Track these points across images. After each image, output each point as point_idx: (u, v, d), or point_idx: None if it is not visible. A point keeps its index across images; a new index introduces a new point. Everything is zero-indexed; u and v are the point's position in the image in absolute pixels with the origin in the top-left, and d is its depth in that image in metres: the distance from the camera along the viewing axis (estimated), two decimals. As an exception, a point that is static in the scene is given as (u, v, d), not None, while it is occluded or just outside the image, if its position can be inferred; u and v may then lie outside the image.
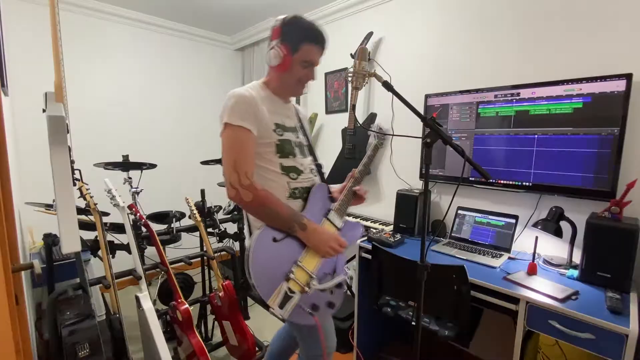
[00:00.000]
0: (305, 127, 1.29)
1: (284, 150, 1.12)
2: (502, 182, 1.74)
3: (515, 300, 1.26)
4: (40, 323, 1.72)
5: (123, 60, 2.85)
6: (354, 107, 2.32)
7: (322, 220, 1.18)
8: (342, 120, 2.68)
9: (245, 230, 1.18)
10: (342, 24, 2.66)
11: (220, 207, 2.46)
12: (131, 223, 1.75)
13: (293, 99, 1.28)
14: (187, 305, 1.70)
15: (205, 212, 2.26)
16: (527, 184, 1.66)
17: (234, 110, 1.03)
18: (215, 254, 1.97)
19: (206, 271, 2.28)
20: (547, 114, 1.58)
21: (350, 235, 1.23)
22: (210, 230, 2.29)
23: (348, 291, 2.54)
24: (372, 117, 2.33)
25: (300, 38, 1.08)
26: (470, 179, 1.87)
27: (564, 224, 1.49)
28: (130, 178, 2.21)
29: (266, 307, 1.03)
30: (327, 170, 2.64)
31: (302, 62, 1.10)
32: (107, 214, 2.08)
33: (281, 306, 1.00)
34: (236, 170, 1.01)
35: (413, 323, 1.54)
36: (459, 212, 1.88)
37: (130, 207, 1.83)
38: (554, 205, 1.54)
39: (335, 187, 1.32)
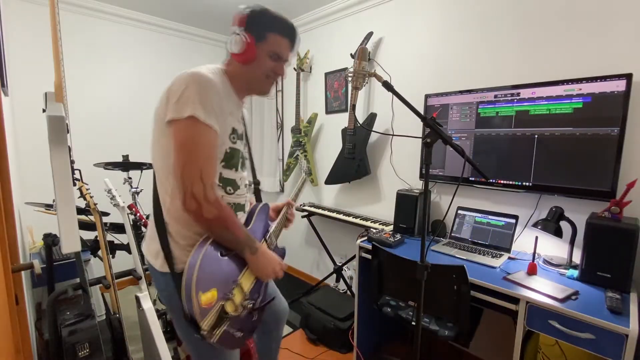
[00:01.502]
0: (248, 134, 1.16)
1: (230, 161, 0.98)
2: (502, 182, 1.75)
3: (515, 300, 1.26)
4: (40, 323, 1.72)
5: (123, 60, 2.85)
6: (354, 107, 2.33)
7: (261, 241, 1.11)
8: (342, 120, 2.68)
9: (155, 249, 0.96)
10: (342, 24, 2.66)
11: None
12: (131, 223, 1.76)
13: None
14: (187, 305, 1.69)
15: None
16: (527, 184, 1.66)
17: (203, 102, 0.85)
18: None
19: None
20: (547, 114, 1.58)
21: (279, 255, 1.14)
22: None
23: (348, 291, 2.54)
24: (372, 117, 2.34)
25: (267, 27, 0.96)
26: (470, 179, 1.87)
27: (564, 224, 1.49)
28: (130, 178, 2.22)
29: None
30: (327, 170, 2.64)
31: (269, 53, 0.97)
32: (107, 214, 2.08)
33: (212, 329, 0.87)
34: (202, 181, 0.85)
35: (413, 323, 1.54)
36: (459, 212, 1.88)
37: (130, 207, 1.83)
38: (554, 205, 1.55)
39: (273, 205, 1.28)
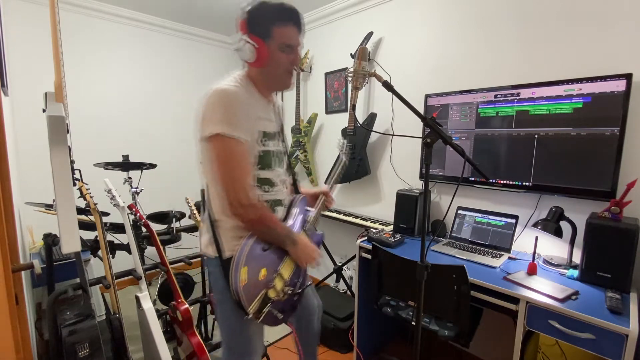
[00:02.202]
0: (284, 127, 1.23)
1: (264, 162, 1.06)
2: (502, 182, 1.74)
3: (515, 300, 1.26)
4: (40, 323, 1.72)
5: (123, 60, 2.85)
6: (354, 107, 2.33)
7: (300, 232, 1.17)
8: (342, 120, 2.68)
9: (207, 239, 1.09)
10: (342, 24, 2.66)
11: (220, 207, 2.46)
12: (131, 223, 1.76)
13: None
14: (187, 305, 1.70)
15: (205, 212, 2.26)
16: (527, 184, 1.66)
17: (228, 117, 0.93)
18: (215, 254, 1.97)
19: (206, 271, 2.28)
20: (547, 114, 1.58)
21: (315, 242, 1.22)
22: (210, 230, 2.29)
23: (348, 291, 2.54)
24: (372, 117, 2.34)
25: (269, 22, 0.97)
26: (470, 179, 1.87)
27: (564, 224, 1.49)
28: (130, 178, 2.21)
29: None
30: (327, 170, 2.64)
31: (280, 47, 0.99)
32: (107, 214, 2.08)
33: (258, 311, 1.01)
34: (239, 188, 0.96)
35: (413, 323, 1.54)
36: (459, 212, 1.88)
37: (130, 207, 1.83)
38: (554, 205, 1.54)
39: (307, 192, 1.33)
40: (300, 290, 1.15)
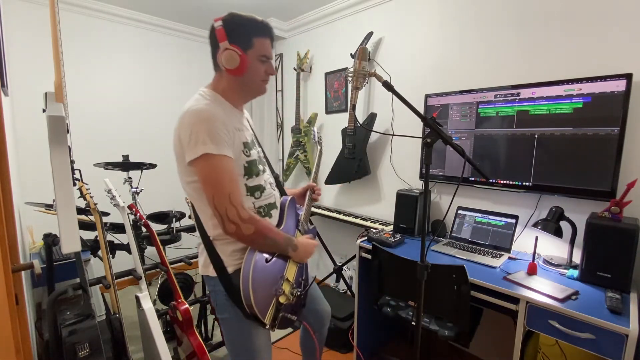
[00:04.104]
0: (254, 130, 1.23)
1: (251, 171, 1.07)
2: (502, 182, 1.74)
3: (515, 300, 1.26)
4: (40, 323, 1.72)
5: (123, 60, 2.85)
6: (354, 107, 2.32)
7: (295, 232, 1.21)
8: (342, 120, 2.68)
9: (204, 260, 1.10)
10: (342, 24, 2.65)
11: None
12: (131, 223, 1.76)
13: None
14: (187, 305, 1.70)
15: (205, 212, 2.26)
16: (527, 184, 1.66)
17: (209, 136, 0.93)
18: (215, 254, 1.97)
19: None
20: (547, 114, 1.58)
21: (310, 236, 1.26)
22: (210, 230, 2.29)
23: (348, 291, 2.54)
24: (372, 117, 2.33)
25: (250, 33, 1.02)
26: (470, 179, 1.87)
27: (564, 224, 1.49)
28: (130, 178, 2.21)
29: (259, 322, 1.04)
30: (327, 170, 2.64)
31: (259, 57, 1.04)
32: (107, 214, 2.08)
33: (273, 320, 1.03)
34: (233, 204, 0.95)
35: (413, 323, 1.54)
36: (459, 212, 1.88)
37: (130, 207, 1.83)
38: (554, 205, 1.54)
39: (294, 192, 1.35)
40: (305, 290, 1.19)
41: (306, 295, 1.22)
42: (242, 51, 1.01)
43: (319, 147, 1.58)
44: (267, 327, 1.02)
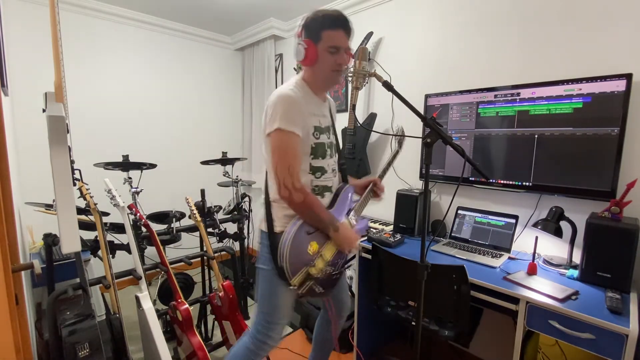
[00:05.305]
0: (335, 122, 1.37)
1: (317, 152, 1.21)
2: (502, 182, 1.74)
3: (515, 300, 1.26)
4: (40, 323, 1.72)
5: (123, 60, 2.85)
6: (354, 107, 2.32)
7: (343, 219, 1.29)
8: (342, 120, 2.68)
9: (263, 223, 1.25)
10: (342, 24, 2.65)
11: (220, 207, 2.46)
12: (131, 223, 1.76)
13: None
14: (187, 305, 1.70)
15: (205, 212, 2.26)
16: (527, 184, 1.66)
17: (286, 115, 1.10)
18: (215, 254, 1.97)
19: (206, 271, 2.28)
20: (547, 114, 1.58)
21: (359, 229, 1.35)
22: (210, 230, 2.29)
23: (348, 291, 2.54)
24: (372, 117, 2.33)
25: (319, 27, 1.13)
26: (470, 179, 1.87)
27: (564, 224, 1.49)
28: (130, 178, 2.21)
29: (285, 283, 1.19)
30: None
31: (328, 48, 1.13)
32: (107, 214, 2.08)
33: (300, 284, 1.16)
34: (291, 174, 1.11)
35: (413, 323, 1.54)
36: (459, 212, 1.88)
37: (130, 207, 1.83)
38: (554, 205, 1.54)
39: (357, 183, 1.45)
40: (340, 270, 1.29)
41: (339, 278, 1.32)
42: (312, 44, 1.14)
43: (397, 148, 1.58)
44: (293, 288, 1.15)
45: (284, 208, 1.20)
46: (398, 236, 1.81)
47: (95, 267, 2.22)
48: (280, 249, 1.15)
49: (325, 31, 1.12)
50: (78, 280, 1.52)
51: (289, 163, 1.12)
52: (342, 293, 1.48)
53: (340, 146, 1.40)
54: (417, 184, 2.19)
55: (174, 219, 2.25)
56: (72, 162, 1.22)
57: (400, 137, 1.59)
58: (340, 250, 1.25)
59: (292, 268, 1.14)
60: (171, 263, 1.83)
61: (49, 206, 1.85)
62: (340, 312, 1.50)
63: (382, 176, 1.46)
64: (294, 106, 1.12)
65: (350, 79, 1.20)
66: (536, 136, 1.61)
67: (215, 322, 2.01)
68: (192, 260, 1.96)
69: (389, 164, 1.49)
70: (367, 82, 2.48)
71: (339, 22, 1.14)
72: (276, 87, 3.39)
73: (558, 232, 1.49)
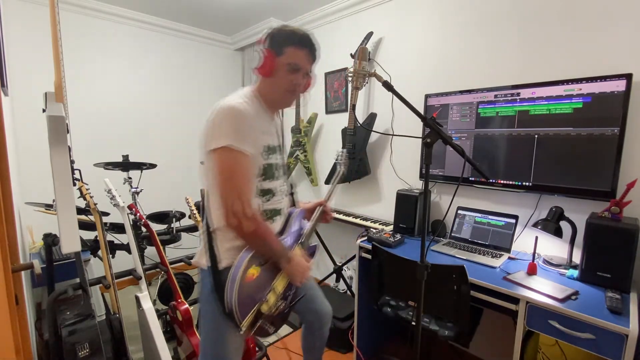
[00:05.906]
0: (283, 140, 1.27)
1: (267, 174, 1.09)
2: (502, 182, 1.74)
3: (515, 300, 1.26)
4: (40, 323, 1.72)
5: (123, 60, 2.85)
6: (354, 107, 2.32)
7: (294, 247, 1.18)
8: (342, 120, 2.68)
9: (203, 252, 1.10)
10: (342, 24, 2.65)
11: (220, 207, 2.46)
12: (131, 223, 1.76)
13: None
14: (187, 305, 1.70)
15: (205, 212, 2.26)
16: (527, 184, 1.66)
17: (237, 132, 0.97)
18: (215, 254, 1.97)
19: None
20: (547, 114, 1.58)
21: (310, 256, 1.23)
22: (210, 230, 2.29)
23: (348, 291, 2.54)
24: (372, 117, 2.33)
25: (284, 41, 1.04)
26: (470, 179, 1.87)
27: (564, 224, 1.49)
28: (130, 178, 2.21)
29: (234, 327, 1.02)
30: (327, 170, 2.64)
31: (287, 65, 1.05)
32: (107, 214, 2.08)
33: (251, 326, 1.02)
34: (240, 199, 0.97)
35: (413, 323, 1.54)
36: (459, 212, 1.88)
37: (130, 207, 1.83)
38: (554, 205, 1.54)
39: (305, 207, 1.35)
40: (292, 304, 1.14)
41: (289, 314, 1.17)
42: (273, 55, 1.04)
43: (341, 169, 1.49)
44: (242, 332, 1.00)
45: (230, 239, 1.05)
46: (398, 236, 1.81)
47: (95, 267, 2.22)
48: (227, 289, 0.99)
49: (290, 47, 1.04)
50: (78, 280, 1.52)
51: (239, 186, 0.97)
52: (316, 304, 1.35)
53: (289, 153, 1.34)
54: (417, 184, 2.19)
55: (174, 219, 2.25)
56: (72, 162, 1.22)
57: (342, 157, 1.48)
58: (292, 282, 1.12)
59: (242, 310, 0.99)
60: (171, 263, 1.83)
61: (49, 206, 1.85)
62: (321, 325, 1.38)
63: (328, 199, 1.36)
64: (245, 122, 0.99)
65: (350, 79, 1.19)
66: (536, 136, 1.61)
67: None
68: (192, 260, 1.96)
69: (334, 185, 1.39)
70: (367, 82, 2.47)
71: (305, 42, 1.06)
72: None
73: (558, 232, 1.49)
